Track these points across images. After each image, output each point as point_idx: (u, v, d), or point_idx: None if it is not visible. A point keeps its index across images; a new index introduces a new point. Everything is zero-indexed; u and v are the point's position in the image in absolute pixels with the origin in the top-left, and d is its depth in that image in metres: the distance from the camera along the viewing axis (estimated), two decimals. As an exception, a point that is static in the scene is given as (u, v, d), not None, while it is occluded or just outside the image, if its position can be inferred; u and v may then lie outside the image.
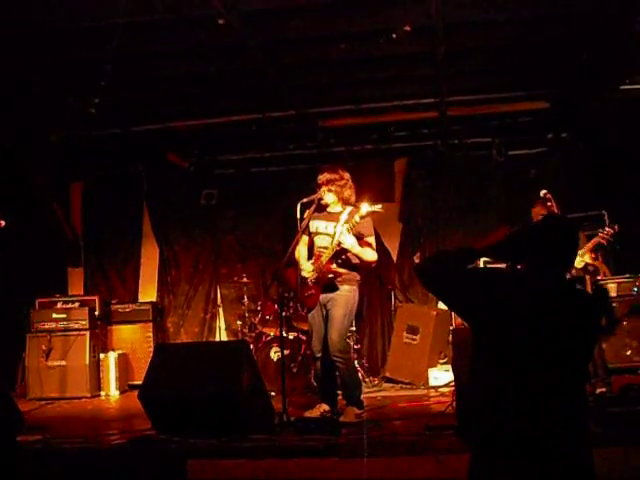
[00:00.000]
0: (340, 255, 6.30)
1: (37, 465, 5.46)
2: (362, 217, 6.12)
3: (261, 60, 7.33)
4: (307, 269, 6.46)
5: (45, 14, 6.18)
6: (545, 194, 7.13)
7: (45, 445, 5.84)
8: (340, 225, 6.27)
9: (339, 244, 6.20)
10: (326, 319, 6.38)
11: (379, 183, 9.89)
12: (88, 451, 5.66)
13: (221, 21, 6.26)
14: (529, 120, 9.30)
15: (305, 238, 6.61)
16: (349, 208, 6.37)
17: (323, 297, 6.39)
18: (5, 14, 6.13)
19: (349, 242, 6.15)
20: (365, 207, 6.09)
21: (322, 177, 6.38)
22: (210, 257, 10.89)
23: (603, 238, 7.06)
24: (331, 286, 6.35)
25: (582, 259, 7.05)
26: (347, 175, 6.43)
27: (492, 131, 9.51)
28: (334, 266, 6.29)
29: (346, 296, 6.37)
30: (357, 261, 6.38)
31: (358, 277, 6.49)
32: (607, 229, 7.08)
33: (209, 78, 7.93)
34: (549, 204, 7.10)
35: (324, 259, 6.32)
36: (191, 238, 10.94)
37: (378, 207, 6.09)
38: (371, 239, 6.41)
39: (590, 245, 7.11)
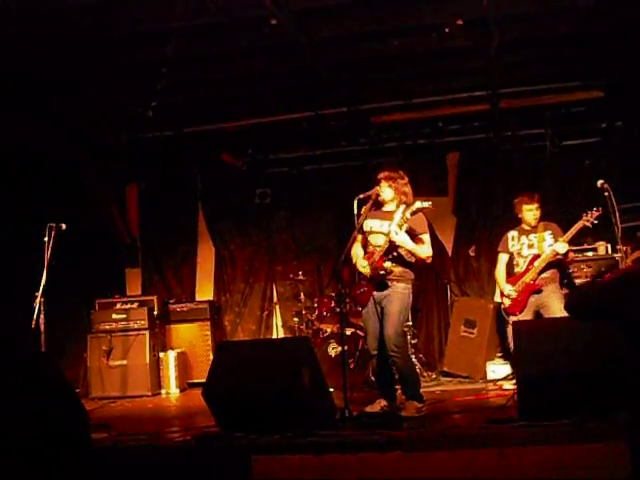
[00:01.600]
0: (391, 252, 6.31)
1: (105, 462, 5.56)
2: (413, 213, 6.12)
3: (312, 58, 7.38)
4: (362, 265, 6.50)
5: (102, 20, 6.30)
6: (602, 184, 7.06)
7: (111, 443, 5.95)
8: (394, 223, 6.29)
9: (389, 240, 6.23)
10: (381, 316, 6.40)
11: (432, 177, 9.90)
12: (154, 448, 5.74)
13: (274, 21, 6.32)
14: (583, 110, 9.17)
15: (360, 237, 6.64)
16: (402, 207, 6.38)
17: (378, 295, 6.42)
18: (63, 21, 6.27)
19: (400, 238, 6.19)
20: (416, 204, 6.12)
21: (382, 173, 6.47)
22: (265, 255, 10.96)
23: (587, 220, 7.05)
24: (385, 284, 6.37)
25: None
26: (406, 177, 6.53)
27: (546, 122, 9.41)
28: (387, 264, 6.31)
29: (401, 293, 6.39)
30: (412, 259, 6.40)
31: (413, 275, 6.50)
32: (591, 212, 7.07)
33: (261, 78, 7.99)
34: (606, 194, 7.04)
35: (376, 256, 6.35)
36: (246, 237, 11.02)
37: (428, 204, 6.10)
38: (425, 236, 6.43)
39: (573, 231, 7.12)
